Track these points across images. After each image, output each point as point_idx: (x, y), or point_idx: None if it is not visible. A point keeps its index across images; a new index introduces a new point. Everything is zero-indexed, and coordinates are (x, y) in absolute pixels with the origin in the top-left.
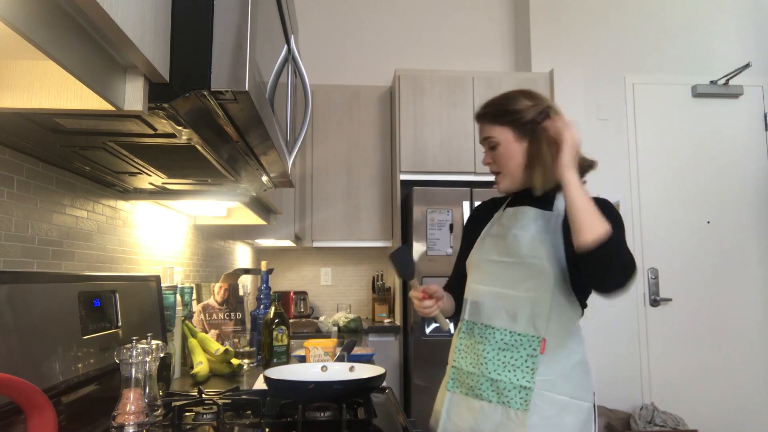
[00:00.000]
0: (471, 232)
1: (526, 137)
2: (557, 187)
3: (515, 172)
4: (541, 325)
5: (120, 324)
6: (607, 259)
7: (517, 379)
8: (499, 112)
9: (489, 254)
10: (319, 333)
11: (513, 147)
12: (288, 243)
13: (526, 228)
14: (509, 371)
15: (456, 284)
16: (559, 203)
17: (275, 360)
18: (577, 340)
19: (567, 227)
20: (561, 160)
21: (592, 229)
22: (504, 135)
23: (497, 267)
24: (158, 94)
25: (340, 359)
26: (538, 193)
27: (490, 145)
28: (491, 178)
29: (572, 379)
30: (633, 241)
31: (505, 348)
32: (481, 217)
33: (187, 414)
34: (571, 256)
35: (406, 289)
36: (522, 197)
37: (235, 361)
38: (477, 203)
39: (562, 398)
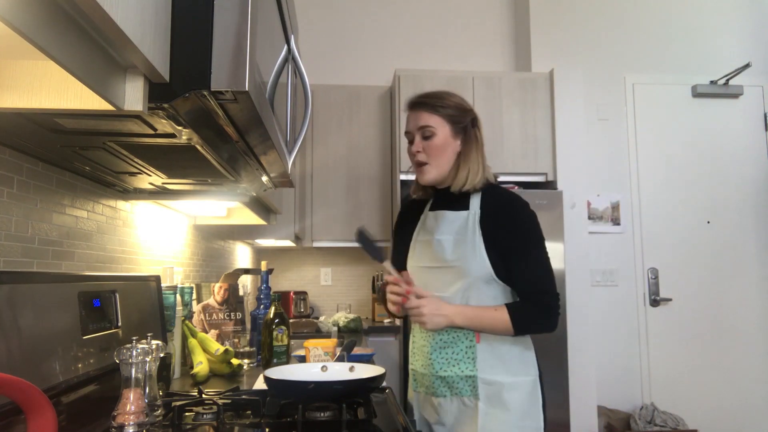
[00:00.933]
0: (401, 236)
1: (459, 136)
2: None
3: (444, 165)
4: None
5: (120, 324)
6: (526, 331)
7: (462, 371)
8: (442, 104)
9: (421, 260)
10: (319, 333)
11: (449, 141)
12: (288, 243)
13: (447, 232)
14: (453, 365)
15: None
16: (474, 202)
17: (275, 360)
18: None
19: (483, 224)
20: (435, 324)
21: (500, 331)
22: (443, 127)
23: (429, 273)
24: (158, 94)
25: (340, 359)
26: (456, 190)
27: (424, 134)
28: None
29: (510, 359)
30: (633, 241)
31: (445, 346)
32: (408, 221)
33: (187, 414)
34: (491, 250)
35: None
36: (441, 199)
37: (235, 361)
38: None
39: (503, 378)
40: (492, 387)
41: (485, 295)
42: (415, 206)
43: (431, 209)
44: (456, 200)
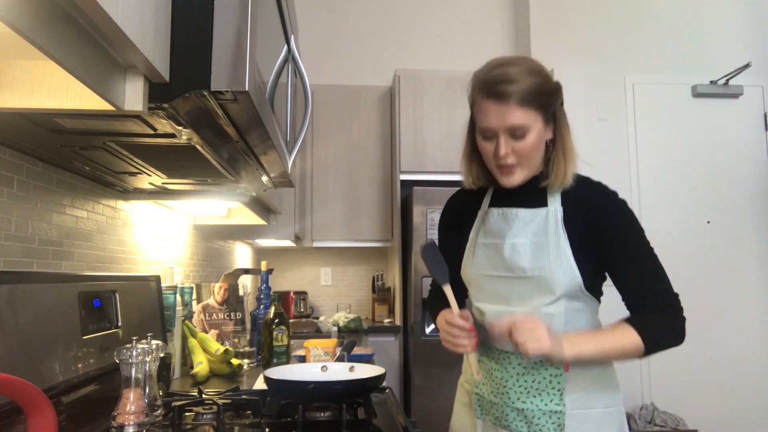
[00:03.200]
0: (450, 237)
1: (551, 123)
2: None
3: (537, 164)
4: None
5: (120, 324)
6: (656, 347)
7: (545, 404)
8: (534, 91)
9: (484, 268)
10: (319, 333)
11: (542, 135)
12: (288, 243)
13: (522, 234)
14: (534, 397)
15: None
16: (555, 198)
17: (275, 360)
18: None
19: (569, 224)
20: (552, 355)
21: (628, 356)
22: (536, 122)
23: (498, 283)
24: (158, 94)
25: (340, 359)
26: (558, 189)
27: (515, 134)
28: None
29: (602, 387)
30: None
31: (524, 372)
32: (462, 218)
33: (187, 414)
34: (582, 256)
35: (406, 289)
36: (504, 192)
37: (235, 361)
38: None
39: (596, 411)
40: (586, 424)
41: (572, 312)
42: (468, 199)
43: (494, 205)
44: (527, 193)
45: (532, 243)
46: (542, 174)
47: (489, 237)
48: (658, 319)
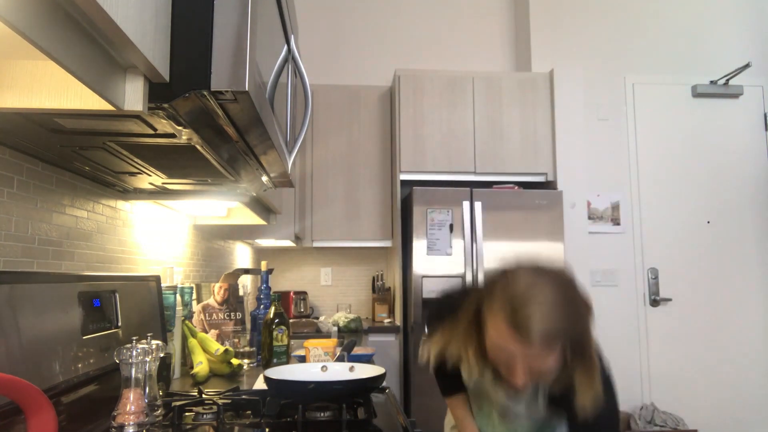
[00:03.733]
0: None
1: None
2: None
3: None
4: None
5: (120, 324)
6: None
7: None
8: (565, 331)
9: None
10: (319, 333)
11: (555, 360)
12: (288, 243)
13: (515, 405)
14: None
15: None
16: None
17: (275, 360)
18: None
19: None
20: None
21: None
22: (556, 358)
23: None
24: (158, 94)
25: (340, 359)
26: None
27: (533, 370)
28: (492, 178)
29: None
30: (633, 241)
31: None
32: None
33: (187, 414)
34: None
35: (406, 289)
36: None
37: (235, 361)
38: (477, 203)
39: None
40: None
41: None
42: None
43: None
44: None
45: (526, 413)
46: None
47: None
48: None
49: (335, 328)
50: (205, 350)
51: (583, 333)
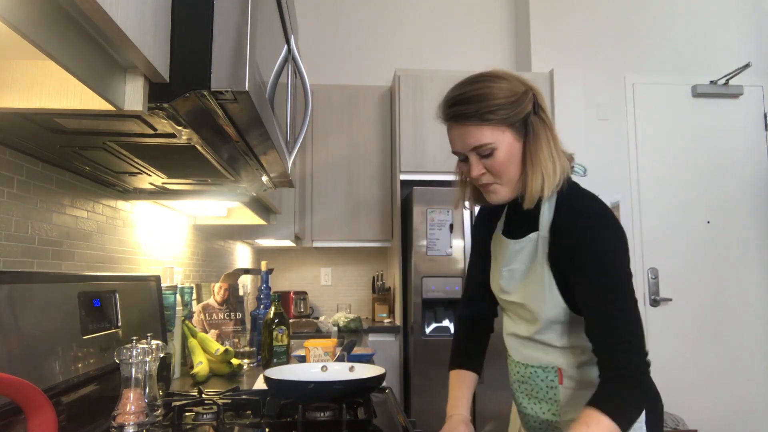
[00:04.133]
0: (479, 241)
1: (521, 133)
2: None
3: (515, 177)
4: (552, 356)
5: (120, 324)
6: (632, 419)
7: (543, 413)
8: (491, 107)
9: (496, 287)
10: (319, 333)
11: (514, 149)
12: (288, 243)
13: (516, 261)
14: (534, 404)
15: (480, 296)
16: (545, 216)
17: (275, 360)
18: None
19: (552, 251)
20: None
21: None
22: (502, 136)
23: (510, 307)
24: (158, 94)
25: (340, 359)
26: (529, 206)
27: (481, 153)
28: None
29: None
30: (633, 241)
31: (523, 380)
32: (485, 226)
33: (187, 414)
34: (565, 285)
35: (406, 289)
36: (513, 209)
37: (235, 361)
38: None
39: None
40: None
41: (566, 336)
42: (489, 214)
43: (503, 227)
44: (525, 212)
45: (524, 270)
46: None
47: (494, 260)
48: (622, 391)
49: (335, 328)
50: (205, 350)
51: (519, 109)
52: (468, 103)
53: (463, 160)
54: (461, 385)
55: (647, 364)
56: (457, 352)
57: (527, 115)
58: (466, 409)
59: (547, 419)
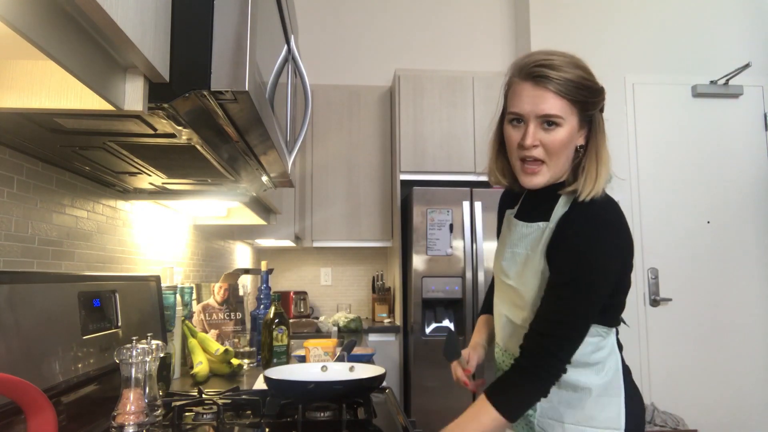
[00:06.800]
0: (499, 225)
1: (584, 127)
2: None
3: (562, 167)
4: None
5: (120, 324)
6: (521, 410)
7: None
8: (575, 85)
9: (497, 268)
10: (319, 333)
11: (573, 136)
12: (288, 243)
13: (521, 245)
14: None
15: None
16: (558, 210)
17: (275, 360)
18: (594, 369)
19: (552, 243)
20: None
21: (499, 428)
22: (571, 117)
23: (501, 285)
24: (158, 94)
25: (340, 359)
26: (586, 198)
27: (548, 122)
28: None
29: (582, 408)
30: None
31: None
32: (503, 211)
33: (187, 414)
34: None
35: (406, 289)
36: (530, 197)
37: (235, 361)
38: (477, 203)
39: (572, 427)
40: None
41: None
42: (508, 198)
43: (518, 212)
44: (542, 202)
45: (524, 256)
46: (565, 183)
47: (500, 241)
48: (516, 381)
49: (335, 328)
50: (205, 350)
51: (595, 99)
52: (557, 70)
53: (516, 124)
54: (485, 324)
55: (555, 366)
56: (486, 303)
57: (595, 111)
58: (484, 338)
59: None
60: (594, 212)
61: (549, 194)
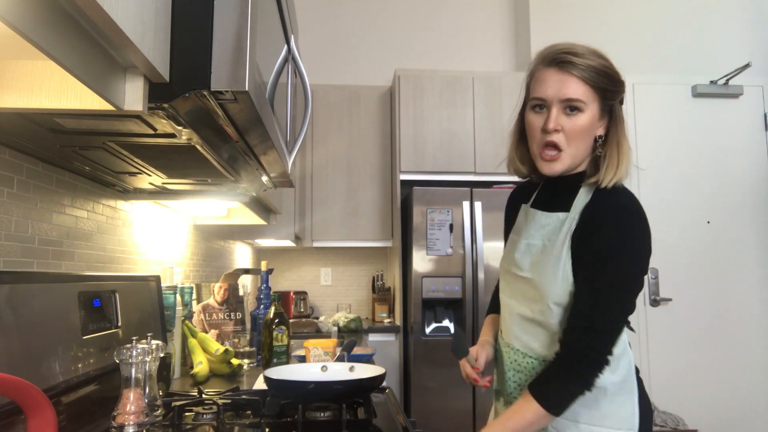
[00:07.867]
0: (507, 224)
1: (605, 117)
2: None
3: (581, 155)
4: (553, 348)
5: (120, 324)
6: (566, 404)
7: None
8: (597, 72)
9: (506, 262)
10: (319, 333)
11: (594, 124)
12: (288, 243)
13: (537, 236)
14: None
15: None
16: (580, 201)
17: (275, 360)
18: (609, 367)
19: (576, 234)
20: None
21: (541, 424)
22: (593, 104)
23: (512, 279)
24: (158, 94)
25: (340, 359)
26: (607, 184)
27: (569, 108)
28: (492, 178)
29: (597, 407)
30: None
31: (519, 370)
32: (514, 207)
33: (187, 414)
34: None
35: (406, 289)
36: (547, 187)
37: (235, 361)
38: (477, 203)
39: (586, 426)
40: None
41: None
42: (522, 192)
43: (533, 202)
44: (562, 193)
45: (541, 246)
46: (585, 174)
47: (515, 232)
48: (559, 375)
49: (335, 328)
50: (205, 350)
51: (616, 89)
52: (581, 57)
53: (538, 111)
54: (492, 323)
55: (597, 360)
56: (493, 302)
57: (615, 102)
58: (492, 336)
59: None
60: (623, 203)
61: (568, 184)
